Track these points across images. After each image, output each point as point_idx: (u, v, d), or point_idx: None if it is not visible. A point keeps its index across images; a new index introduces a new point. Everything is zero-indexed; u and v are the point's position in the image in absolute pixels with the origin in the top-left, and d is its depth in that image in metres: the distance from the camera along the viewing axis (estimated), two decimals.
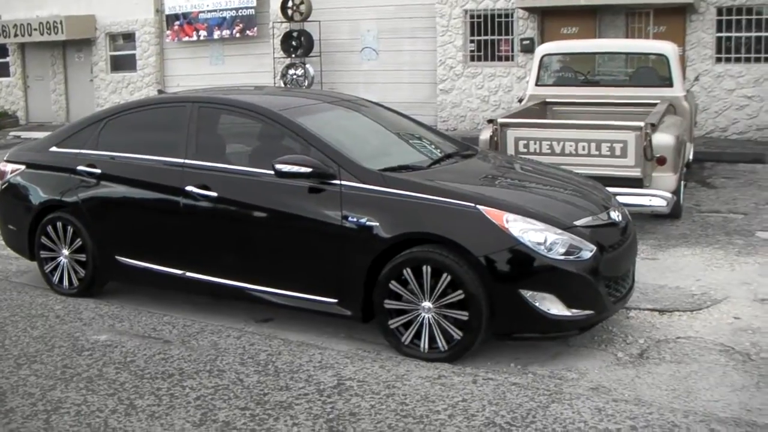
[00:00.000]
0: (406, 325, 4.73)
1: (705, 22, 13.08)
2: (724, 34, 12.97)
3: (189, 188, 5.32)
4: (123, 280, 5.98)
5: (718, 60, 13.09)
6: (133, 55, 18.54)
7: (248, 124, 5.46)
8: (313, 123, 5.24)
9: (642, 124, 7.19)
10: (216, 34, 17.12)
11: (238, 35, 16.95)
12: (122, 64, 18.85)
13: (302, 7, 15.70)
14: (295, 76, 15.89)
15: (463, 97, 15.36)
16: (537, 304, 4.50)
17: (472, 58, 15.29)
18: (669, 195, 7.31)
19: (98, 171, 5.82)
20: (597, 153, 7.34)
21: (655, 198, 7.25)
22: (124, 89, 18.71)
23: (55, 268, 6.09)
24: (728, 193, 9.43)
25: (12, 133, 18.69)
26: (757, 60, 12.56)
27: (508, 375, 4.53)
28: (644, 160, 7.22)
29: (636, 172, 7.26)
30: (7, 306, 5.74)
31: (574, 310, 4.57)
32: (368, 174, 4.87)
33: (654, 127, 7.23)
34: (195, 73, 17.60)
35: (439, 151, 5.70)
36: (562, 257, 4.54)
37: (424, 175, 5.02)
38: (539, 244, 4.51)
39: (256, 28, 16.83)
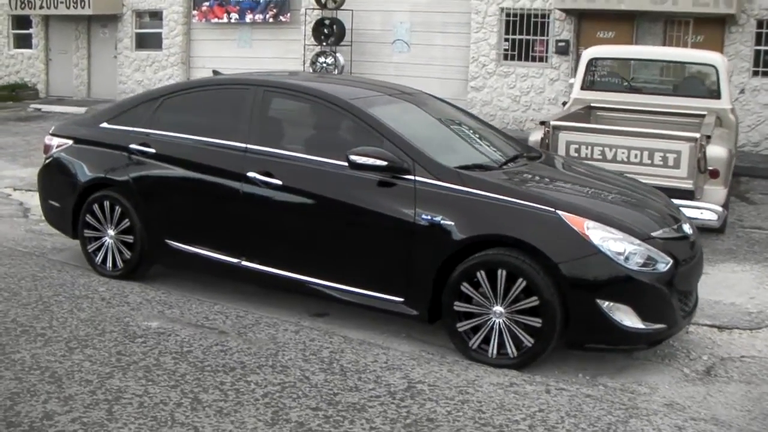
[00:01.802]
0: (475, 329, 4.59)
1: (744, 34, 12.90)
2: (763, 48, 12.79)
3: (251, 174, 5.16)
4: (171, 265, 5.83)
5: (755, 73, 12.91)
6: (159, 33, 18.32)
7: (315, 112, 5.30)
8: (384, 115, 5.08)
9: (698, 135, 7.04)
10: (248, 18, 16.93)
11: (271, 20, 16.76)
12: (147, 42, 18.64)
13: None
14: (325, 65, 15.71)
15: (494, 96, 15.19)
16: (612, 315, 4.36)
17: (506, 57, 15.12)
18: (720, 209, 7.17)
19: (152, 150, 5.65)
20: (649, 162, 7.19)
21: (706, 211, 7.10)
22: (148, 68, 18.52)
23: (98, 249, 5.92)
24: (764, 208, 9.28)
25: (32, 106, 18.52)
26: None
27: (580, 386, 4.38)
28: (697, 172, 7.07)
29: (688, 184, 7.10)
30: (48, 285, 5.57)
31: (648, 323, 4.44)
32: (444, 171, 4.72)
33: (709, 139, 7.07)
34: (221, 55, 17.41)
35: (505, 151, 5.54)
36: (640, 268, 4.40)
37: (497, 175, 4.87)
38: (619, 254, 4.37)
39: (289, 14, 16.64)
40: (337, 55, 15.80)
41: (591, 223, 4.40)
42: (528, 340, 4.45)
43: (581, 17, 14.27)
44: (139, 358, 4.31)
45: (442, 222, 4.57)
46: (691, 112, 8.57)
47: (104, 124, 6.04)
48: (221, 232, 5.39)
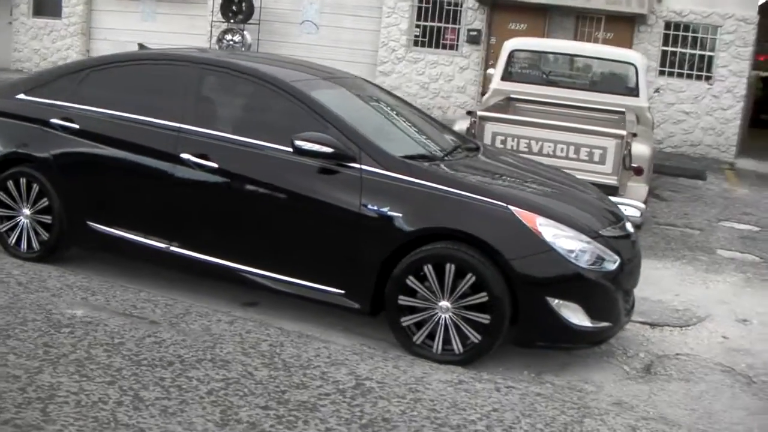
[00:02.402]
0: (419, 324, 4.48)
1: (652, 34, 13.34)
2: (669, 48, 13.26)
3: (185, 156, 4.86)
4: (92, 248, 5.46)
5: (661, 73, 13.38)
6: (59, 1, 17.26)
7: (254, 93, 5.00)
8: (326, 99, 4.87)
9: (624, 132, 7.16)
10: None
11: None
12: (46, 8, 17.51)
13: None
14: (231, 42, 15.24)
15: (402, 81, 15.13)
16: (561, 313, 4.35)
17: (416, 44, 15.09)
18: (642, 205, 7.32)
19: (76, 126, 5.25)
20: (575, 157, 7.24)
21: (630, 208, 7.19)
22: (45, 36, 17.42)
23: (11, 229, 5.47)
24: (679, 207, 9.61)
25: None
26: (698, 78, 12.91)
27: (528, 384, 4.35)
28: (622, 168, 7.19)
29: (613, 180, 7.20)
30: None
31: (595, 321, 4.45)
32: (391, 161, 4.56)
33: (635, 136, 7.21)
34: (123, 27, 16.60)
35: (445, 142, 5.44)
36: (589, 266, 4.41)
37: (444, 167, 4.76)
38: (570, 251, 4.35)
39: None
40: (245, 33, 15.35)
41: (543, 220, 4.36)
42: (475, 337, 4.38)
43: (494, 7, 14.39)
44: (69, 351, 3.98)
45: (389, 213, 4.43)
46: (610, 108, 8.73)
47: (21, 96, 5.57)
48: (149, 215, 5.08)
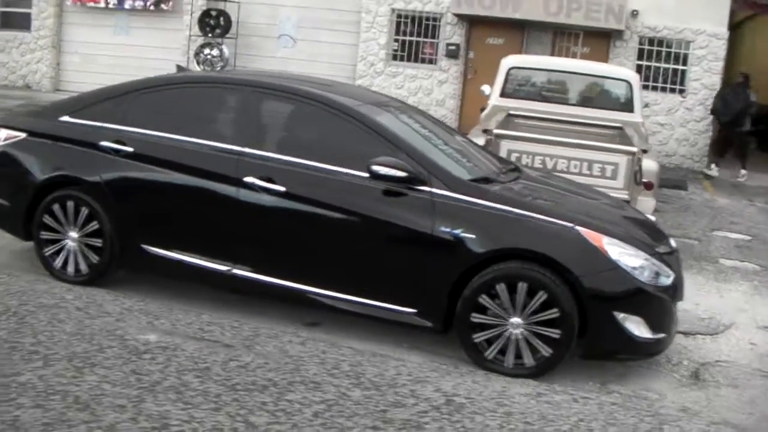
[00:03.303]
0: (489, 341, 4.64)
1: (628, 49, 13.80)
2: (644, 63, 13.72)
3: (249, 179, 4.91)
4: (146, 270, 5.45)
5: None
6: (29, 14, 16.95)
7: (317, 117, 5.06)
8: (391, 124, 5.00)
9: (635, 149, 7.44)
10: (128, 3, 16.03)
11: (152, 7, 15.97)
12: (14, 21, 17.13)
13: None
14: (210, 57, 15.20)
15: None
16: (626, 326, 4.56)
17: (395, 57, 15.29)
18: (653, 219, 7.61)
19: (129, 149, 5.25)
20: (588, 173, 7.48)
21: None
22: (14, 49, 17.06)
23: (57, 252, 5.45)
24: (672, 218, 9.97)
25: None
26: (672, 91, 13.38)
27: (598, 394, 4.55)
28: (633, 183, 7.47)
29: (624, 195, 7.46)
30: (5, 292, 5.04)
31: (655, 333, 4.68)
32: (461, 184, 4.73)
33: (645, 152, 7.50)
34: (96, 41, 16.42)
35: (492, 163, 5.61)
36: (650, 281, 4.63)
37: (508, 189, 4.94)
38: (634, 268, 4.57)
39: (171, 2, 15.92)
40: (223, 47, 15.34)
41: (609, 239, 4.58)
42: (546, 350, 4.56)
43: (472, 23, 14.67)
44: (160, 377, 4.01)
45: (462, 235, 4.57)
46: (607, 124, 9.03)
47: (66, 118, 5.55)
48: (210, 237, 5.11)
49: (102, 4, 16.15)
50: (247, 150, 5.00)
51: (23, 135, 5.62)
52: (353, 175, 4.77)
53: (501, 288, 4.53)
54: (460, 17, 14.51)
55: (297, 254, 4.95)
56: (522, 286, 4.50)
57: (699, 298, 6.69)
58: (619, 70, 9.91)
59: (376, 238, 4.78)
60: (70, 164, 5.42)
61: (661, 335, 4.74)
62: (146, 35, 16.21)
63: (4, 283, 5.20)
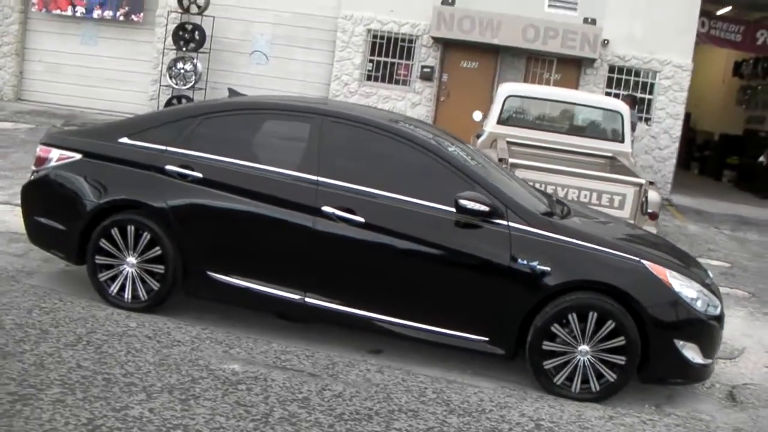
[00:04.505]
0: (557, 367, 4.91)
1: (598, 76, 14.37)
2: (613, 90, 14.32)
3: (327, 209, 5.05)
4: (210, 298, 5.47)
5: None
6: None
7: (391, 148, 5.22)
8: (463, 158, 5.25)
9: (643, 181, 7.86)
10: (96, 13, 15.79)
11: (121, 18, 15.77)
12: None
13: (200, 0, 15.01)
14: (183, 71, 15.12)
15: None
16: (684, 353, 4.90)
17: (369, 78, 15.50)
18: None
19: (198, 175, 5.28)
20: (597, 202, 7.86)
21: None
22: None
23: (112, 278, 5.43)
24: None
25: None
26: (638, 119, 13.95)
27: (659, 416, 4.87)
28: (639, 213, 7.89)
29: None
30: (67, 319, 5.00)
31: (706, 359, 5.04)
32: (535, 218, 5.00)
33: (652, 184, 7.93)
34: (62, 50, 16.08)
35: (543, 196, 5.87)
36: (704, 311, 4.99)
37: (575, 223, 5.24)
38: (692, 299, 4.92)
39: (142, 14, 15.78)
40: (196, 62, 15.28)
41: (671, 273, 4.93)
42: (611, 376, 4.86)
43: (447, 46, 15.02)
44: (267, 409, 4.12)
45: (538, 267, 4.84)
46: (597, 153, 9.47)
47: (125, 140, 5.50)
48: (283, 265, 5.20)
49: (69, 13, 15.86)
50: (325, 180, 5.11)
51: (78, 156, 5.55)
52: (433, 207, 4.98)
53: (572, 317, 4.82)
54: (436, 40, 14.85)
55: (372, 283, 5.11)
56: (592, 316, 4.80)
57: None
58: (611, 102, 10.38)
59: (452, 269, 4.99)
60: (133, 188, 5.39)
61: (710, 361, 5.10)
62: (115, 46, 16.00)
63: (60, 309, 5.18)
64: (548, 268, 4.84)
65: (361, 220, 5.02)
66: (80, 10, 15.81)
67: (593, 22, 14.02)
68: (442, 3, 14.50)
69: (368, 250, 5.07)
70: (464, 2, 14.42)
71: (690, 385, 5.45)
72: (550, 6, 14.31)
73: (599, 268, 4.87)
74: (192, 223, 5.31)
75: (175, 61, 15.23)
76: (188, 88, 15.19)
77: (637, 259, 4.93)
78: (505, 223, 4.92)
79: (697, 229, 11.99)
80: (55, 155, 5.63)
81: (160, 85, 15.50)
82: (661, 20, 14.11)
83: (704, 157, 20.83)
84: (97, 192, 5.46)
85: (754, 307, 7.96)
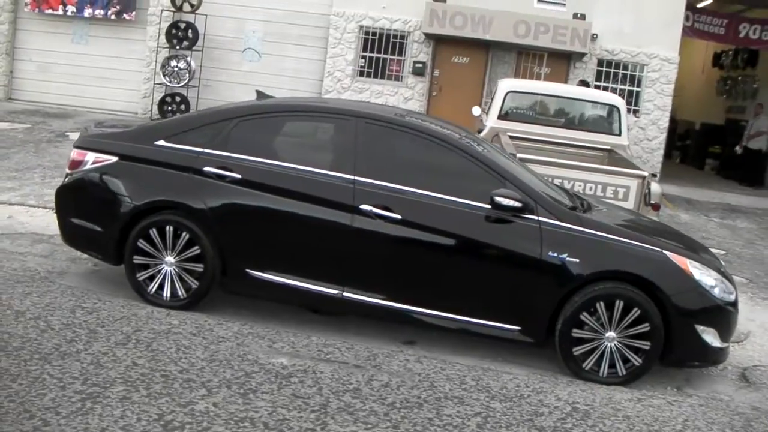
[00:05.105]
0: (586, 353, 5.18)
1: (587, 70, 14.69)
2: (602, 84, 14.65)
3: (365, 207, 5.26)
4: (249, 295, 5.69)
5: None
6: None
7: (423, 148, 5.47)
8: (492, 155, 5.51)
9: (646, 173, 8.16)
10: (87, 12, 15.81)
11: (113, 17, 15.82)
12: None
13: None
14: (177, 69, 15.22)
15: None
16: (704, 337, 5.20)
17: (361, 74, 15.69)
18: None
19: (236, 176, 5.46)
20: (602, 195, 8.15)
21: None
22: None
23: (150, 277, 5.61)
24: None
25: None
26: (627, 111, 14.27)
27: (684, 397, 5.17)
28: (643, 205, 8.19)
29: None
30: (110, 318, 5.18)
31: (724, 343, 5.34)
32: (564, 213, 5.27)
33: (654, 177, 8.23)
34: (52, 49, 16.09)
35: (562, 191, 6.13)
36: (722, 297, 5.29)
37: (599, 216, 5.50)
38: (712, 287, 5.22)
39: (134, 13, 15.83)
40: (189, 59, 15.39)
41: (692, 263, 5.22)
42: (636, 360, 5.15)
43: (438, 41, 15.26)
44: (323, 400, 4.32)
45: (568, 259, 5.10)
46: (596, 146, 9.76)
47: (162, 142, 5.66)
48: (321, 262, 5.41)
49: (60, 12, 15.87)
50: (362, 179, 5.33)
51: (114, 159, 5.69)
52: (467, 204, 5.23)
53: (600, 306, 5.09)
54: (428, 36, 15.07)
55: (408, 277, 5.35)
56: (619, 304, 5.08)
57: None
58: (608, 96, 10.68)
59: (486, 262, 5.25)
60: (172, 189, 5.55)
61: (727, 344, 5.40)
62: (107, 45, 16.04)
63: (101, 309, 5.34)
64: (577, 260, 5.10)
65: (398, 216, 5.25)
66: (71, 9, 15.83)
67: (582, 17, 14.33)
68: (435, 0, 14.72)
69: (404, 245, 5.31)
70: None
71: (705, 368, 5.76)
72: (540, 2, 14.60)
73: (625, 259, 5.15)
74: (231, 223, 5.50)
75: (169, 59, 15.32)
76: (182, 86, 15.29)
77: (659, 249, 5.21)
78: (535, 218, 5.18)
79: (688, 218, 12.35)
80: (91, 158, 5.77)
81: (154, 83, 15.58)
82: (648, 14, 14.47)
83: (685, 147, 21.28)
84: (135, 194, 5.62)
85: (753, 292, 8.31)
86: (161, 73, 15.31)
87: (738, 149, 17.33)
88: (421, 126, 5.63)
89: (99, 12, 15.84)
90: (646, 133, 14.73)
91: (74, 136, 12.50)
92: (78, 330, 4.94)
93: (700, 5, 17.09)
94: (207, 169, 5.53)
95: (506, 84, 10.39)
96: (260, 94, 6.47)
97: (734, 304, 5.41)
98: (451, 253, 5.29)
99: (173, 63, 15.29)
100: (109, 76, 16.07)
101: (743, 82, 19.31)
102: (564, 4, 14.56)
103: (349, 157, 5.42)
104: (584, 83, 13.42)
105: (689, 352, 5.27)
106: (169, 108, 15.22)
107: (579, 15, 14.33)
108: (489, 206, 5.16)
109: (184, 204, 5.52)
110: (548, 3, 14.57)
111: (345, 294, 5.39)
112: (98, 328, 5.01)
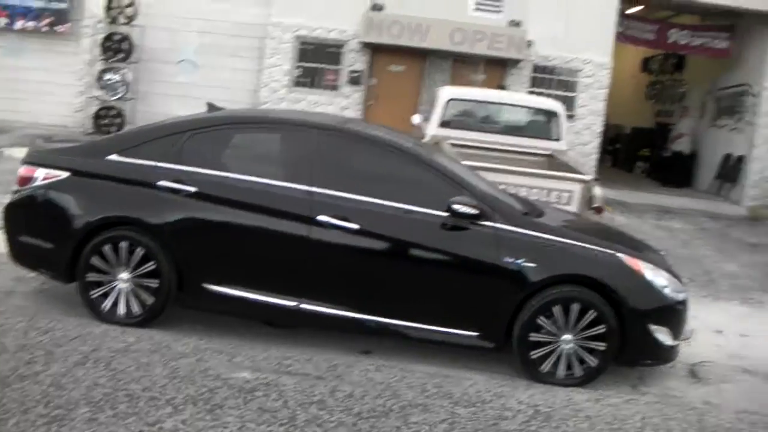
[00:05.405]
0: (543, 356, 5.28)
1: (522, 76, 14.97)
2: (537, 90, 14.93)
3: (323, 218, 5.27)
4: (206, 309, 5.62)
5: None
6: None
7: (378, 158, 5.53)
8: (447, 163, 5.59)
9: (588, 177, 8.38)
10: (18, 24, 15.37)
11: (45, 29, 15.41)
12: None
13: (129, 10, 14.84)
14: (112, 82, 14.93)
15: None
16: (657, 336, 5.37)
17: (298, 84, 15.65)
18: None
19: (192, 189, 5.40)
20: (546, 199, 8.35)
21: None
22: None
23: (104, 294, 5.48)
24: None
25: None
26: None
27: (639, 395, 5.34)
28: (586, 209, 8.40)
29: None
30: (65, 338, 4.99)
31: (675, 340, 5.52)
32: (519, 218, 5.37)
33: (597, 181, 8.45)
34: None
35: (512, 196, 6.25)
36: (673, 296, 5.47)
37: (551, 221, 5.63)
38: (664, 286, 5.40)
39: (68, 25, 15.46)
40: (126, 72, 15.11)
41: (644, 264, 5.39)
42: (592, 361, 5.28)
43: (375, 50, 15.33)
44: (290, 414, 4.29)
45: (525, 264, 5.20)
46: (535, 152, 9.97)
47: (114, 157, 5.56)
48: (278, 274, 5.39)
49: None
50: (319, 190, 5.32)
51: (66, 174, 5.57)
52: (424, 212, 5.28)
53: (557, 309, 5.20)
54: (365, 45, 15.13)
55: (367, 287, 5.38)
56: (575, 307, 5.19)
57: None
58: (547, 102, 10.90)
59: (444, 270, 5.31)
60: (125, 204, 5.46)
61: (678, 342, 5.58)
62: (39, 58, 15.59)
63: (55, 329, 5.19)
64: (533, 265, 5.21)
65: (356, 227, 5.27)
66: (3, 21, 15.37)
67: (518, 24, 14.61)
68: (372, 9, 14.80)
69: (361, 255, 5.33)
70: (393, 8, 14.77)
71: (656, 366, 5.93)
72: (475, 9, 14.82)
73: (580, 263, 5.28)
74: (187, 237, 5.44)
75: (104, 71, 15.01)
76: (117, 99, 15.00)
77: (612, 252, 5.36)
78: (491, 224, 5.27)
79: (624, 220, 12.68)
80: (41, 174, 5.63)
81: (87, 97, 15.25)
82: (582, 21, 14.80)
83: (616, 150, 21.82)
84: (88, 210, 5.51)
85: (693, 291, 8.54)
86: (97, 86, 14.98)
87: (668, 150, 17.87)
88: (377, 136, 5.66)
89: (30, 24, 15.42)
90: (580, 137, 15.07)
91: (8, 151, 12.23)
92: (35, 351, 4.80)
93: (629, 11, 17.58)
94: (161, 183, 5.46)
95: (447, 92, 10.52)
96: (211, 106, 6.42)
97: (684, 302, 5.60)
98: (410, 261, 5.34)
99: (108, 76, 14.99)
100: (43, 90, 15.62)
101: (671, 86, 19.94)
102: (500, 11, 14.81)
103: (305, 167, 5.42)
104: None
105: (643, 351, 5.43)
106: (105, 122, 14.91)
107: (515, 22, 14.61)
108: (446, 214, 5.22)
109: (138, 219, 5.44)
110: (484, 11, 14.79)
111: (302, 306, 5.38)
112: (54, 349, 4.88)
